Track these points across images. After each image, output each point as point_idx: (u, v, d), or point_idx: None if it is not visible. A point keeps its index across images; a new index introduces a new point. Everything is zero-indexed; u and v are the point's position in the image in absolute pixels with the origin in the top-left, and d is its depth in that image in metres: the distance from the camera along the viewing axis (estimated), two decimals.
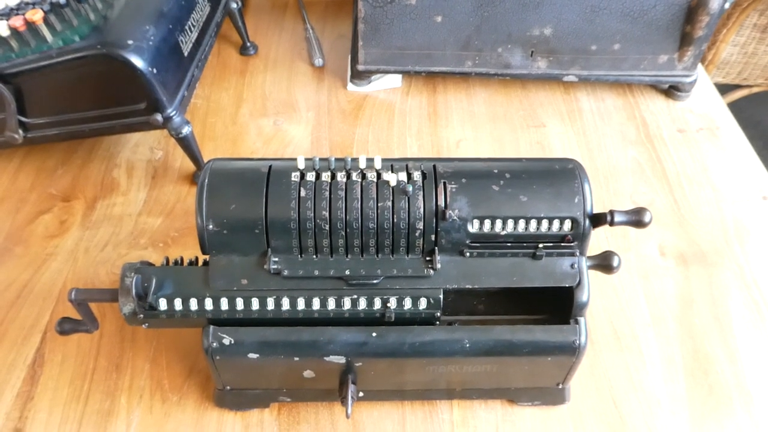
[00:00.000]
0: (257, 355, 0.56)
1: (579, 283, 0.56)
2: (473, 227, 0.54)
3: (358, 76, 0.98)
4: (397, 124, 0.95)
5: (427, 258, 0.55)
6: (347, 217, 0.54)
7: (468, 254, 0.55)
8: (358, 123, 0.95)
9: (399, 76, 1.01)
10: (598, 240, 0.79)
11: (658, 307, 0.73)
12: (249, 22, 1.08)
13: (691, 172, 0.88)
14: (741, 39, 1.72)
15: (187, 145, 0.81)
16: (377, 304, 0.56)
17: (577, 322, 0.57)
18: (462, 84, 1.01)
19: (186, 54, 0.82)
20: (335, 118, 0.96)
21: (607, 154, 0.91)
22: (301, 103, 0.98)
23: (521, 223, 0.55)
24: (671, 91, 0.99)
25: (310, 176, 0.55)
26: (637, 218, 0.55)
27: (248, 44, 1.06)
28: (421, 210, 0.54)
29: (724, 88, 1.67)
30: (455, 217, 0.54)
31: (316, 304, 0.55)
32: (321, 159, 0.56)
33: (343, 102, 0.98)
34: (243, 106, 0.97)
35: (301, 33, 1.11)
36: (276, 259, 0.55)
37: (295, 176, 0.55)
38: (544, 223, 0.55)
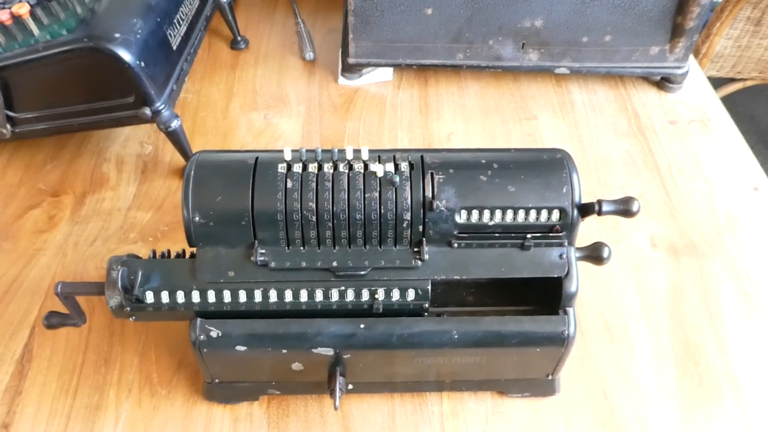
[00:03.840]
0: (245, 348, 0.56)
1: (567, 274, 0.56)
2: (461, 218, 0.54)
3: (349, 69, 0.98)
4: (389, 118, 0.95)
5: (415, 249, 0.55)
6: (334, 209, 0.53)
7: (456, 245, 0.55)
8: (349, 116, 0.95)
9: (390, 69, 1.00)
10: (589, 231, 0.79)
11: (648, 298, 0.73)
12: (239, 16, 1.08)
13: (683, 164, 0.88)
14: (735, 32, 1.72)
15: (177, 139, 0.81)
16: (365, 295, 0.55)
17: (565, 312, 0.57)
18: (453, 77, 1.01)
19: (174, 48, 0.82)
20: (326, 111, 0.95)
21: (598, 145, 0.91)
22: (292, 97, 0.98)
23: (509, 213, 0.54)
24: (663, 82, 0.98)
25: (297, 168, 0.54)
26: (625, 207, 0.54)
27: (239, 38, 1.05)
28: (409, 201, 0.54)
29: (717, 82, 1.67)
30: (443, 208, 0.54)
31: (303, 295, 0.55)
32: (308, 150, 0.55)
33: (334, 95, 0.98)
34: (233, 100, 0.97)
35: (292, 27, 1.10)
36: (263, 251, 0.54)
37: (281, 168, 0.54)
38: (532, 214, 0.55)
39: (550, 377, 0.62)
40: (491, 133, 0.92)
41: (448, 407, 0.64)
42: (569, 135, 0.92)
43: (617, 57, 0.93)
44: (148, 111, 0.76)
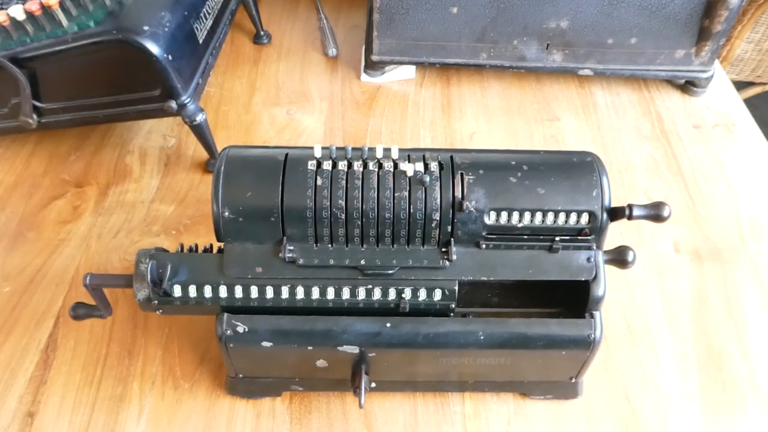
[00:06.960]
0: (270, 344, 0.56)
1: (595, 277, 0.56)
2: (490, 219, 0.54)
3: (371, 66, 0.98)
4: (411, 116, 0.95)
5: (443, 249, 0.55)
6: (363, 207, 0.53)
7: (484, 246, 0.55)
8: (371, 114, 0.95)
9: (413, 67, 1.00)
10: (612, 235, 0.78)
11: (671, 303, 0.73)
12: (263, 10, 1.08)
13: (707, 169, 0.87)
14: (756, 36, 1.71)
15: (201, 132, 0.81)
16: (392, 294, 0.55)
17: (592, 316, 0.57)
18: (476, 76, 1.00)
19: (201, 41, 0.82)
20: (348, 108, 0.95)
21: (621, 148, 0.90)
22: (314, 93, 0.98)
23: (538, 215, 0.54)
24: (687, 86, 0.98)
25: (327, 165, 0.54)
26: (656, 212, 0.54)
27: (262, 33, 1.05)
28: (438, 201, 0.54)
29: (737, 86, 1.65)
30: (472, 209, 0.54)
31: (330, 293, 0.55)
32: (338, 148, 0.56)
33: (357, 92, 0.98)
34: (256, 95, 0.97)
35: (314, 23, 1.10)
36: (291, 248, 0.54)
37: (311, 165, 0.54)
38: (561, 216, 0.54)
39: (573, 380, 0.62)
40: (514, 134, 0.92)
41: (470, 407, 0.64)
42: (592, 137, 0.92)
43: (642, 59, 0.93)
44: (173, 104, 0.76)
